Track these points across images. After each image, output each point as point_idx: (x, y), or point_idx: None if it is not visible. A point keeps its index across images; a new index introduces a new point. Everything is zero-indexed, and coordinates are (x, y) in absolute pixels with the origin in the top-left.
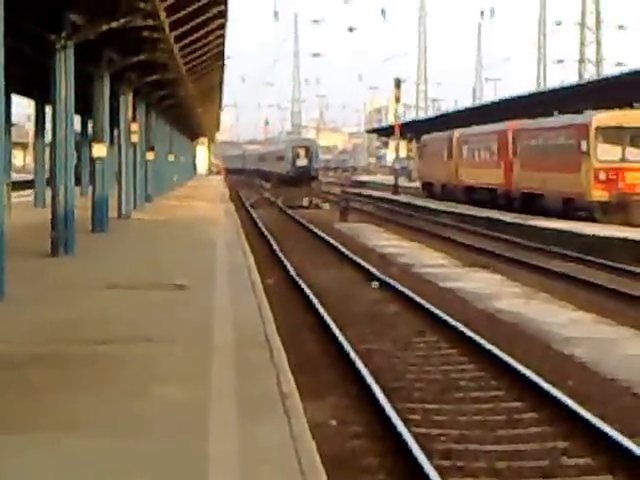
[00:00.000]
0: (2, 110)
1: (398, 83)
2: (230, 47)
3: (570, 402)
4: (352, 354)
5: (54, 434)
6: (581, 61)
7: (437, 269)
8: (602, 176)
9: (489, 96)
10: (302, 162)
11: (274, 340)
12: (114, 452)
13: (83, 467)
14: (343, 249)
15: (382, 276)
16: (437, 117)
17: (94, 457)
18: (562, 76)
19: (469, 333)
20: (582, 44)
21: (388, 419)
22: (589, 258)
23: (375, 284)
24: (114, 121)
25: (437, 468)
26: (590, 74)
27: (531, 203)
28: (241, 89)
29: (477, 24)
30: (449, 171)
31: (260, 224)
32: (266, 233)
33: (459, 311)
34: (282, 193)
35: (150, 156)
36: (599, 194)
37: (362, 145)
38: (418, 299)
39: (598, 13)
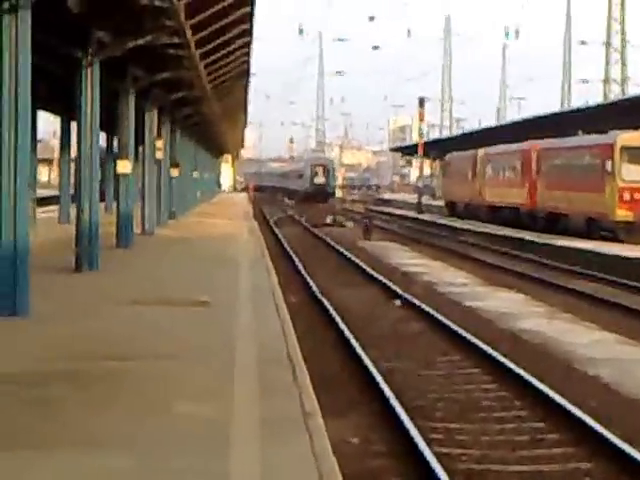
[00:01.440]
0: (28, 126)
1: (422, 102)
2: (255, 64)
3: (593, 423)
4: (374, 373)
5: (77, 451)
6: (606, 81)
7: (461, 288)
8: (627, 196)
9: (513, 115)
10: (320, 180)
11: (297, 358)
12: (136, 470)
13: None
14: (366, 267)
15: (405, 295)
16: (461, 136)
17: (115, 474)
18: (587, 96)
19: (492, 353)
20: (607, 64)
21: (410, 438)
22: (613, 278)
23: (397, 302)
24: (139, 138)
25: None
26: (615, 94)
27: (555, 222)
28: (266, 106)
29: (502, 44)
30: (473, 190)
31: (283, 241)
32: (289, 251)
33: (483, 330)
34: (305, 211)
35: (174, 173)
36: (623, 214)
37: (386, 163)
38: (441, 318)
39: (623, 33)
